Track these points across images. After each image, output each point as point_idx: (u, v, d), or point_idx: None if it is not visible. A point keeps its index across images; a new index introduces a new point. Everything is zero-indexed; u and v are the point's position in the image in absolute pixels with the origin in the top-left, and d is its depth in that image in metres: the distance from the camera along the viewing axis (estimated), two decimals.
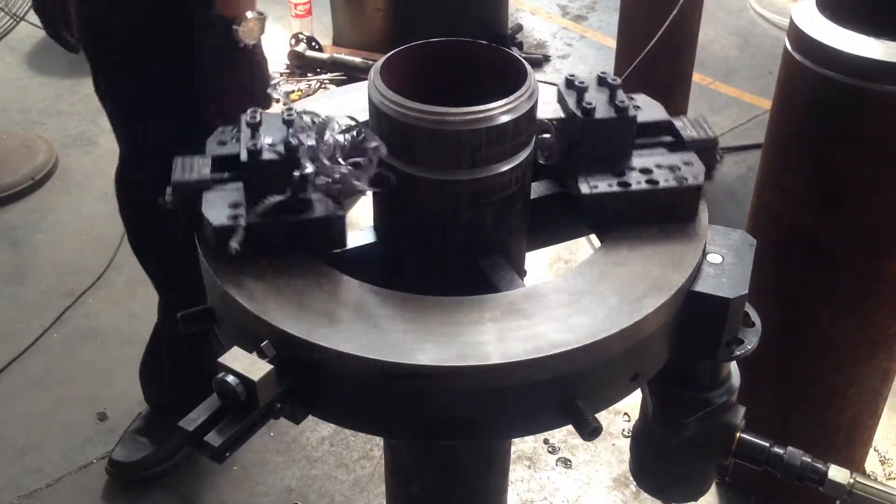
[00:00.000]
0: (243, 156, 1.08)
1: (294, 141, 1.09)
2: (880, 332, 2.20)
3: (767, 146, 2.22)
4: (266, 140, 1.09)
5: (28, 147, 4.20)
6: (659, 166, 1.19)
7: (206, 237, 1.09)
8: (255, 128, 1.11)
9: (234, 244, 1.04)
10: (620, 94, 1.21)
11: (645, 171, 1.18)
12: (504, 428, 1.06)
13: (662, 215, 1.16)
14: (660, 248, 1.13)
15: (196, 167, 1.11)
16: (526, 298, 1.06)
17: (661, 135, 1.26)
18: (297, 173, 1.06)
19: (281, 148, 1.08)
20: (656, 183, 1.16)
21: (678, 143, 1.24)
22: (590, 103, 1.18)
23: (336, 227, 1.09)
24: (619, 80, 1.22)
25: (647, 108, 1.26)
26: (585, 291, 1.06)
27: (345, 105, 1.35)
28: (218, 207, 1.08)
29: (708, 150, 1.23)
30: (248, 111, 1.14)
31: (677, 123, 1.26)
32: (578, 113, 1.18)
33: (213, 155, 1.15)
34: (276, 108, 1.35)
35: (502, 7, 4.84)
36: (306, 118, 1.14)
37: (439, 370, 0.96)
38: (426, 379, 0.97)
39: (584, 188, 1.16)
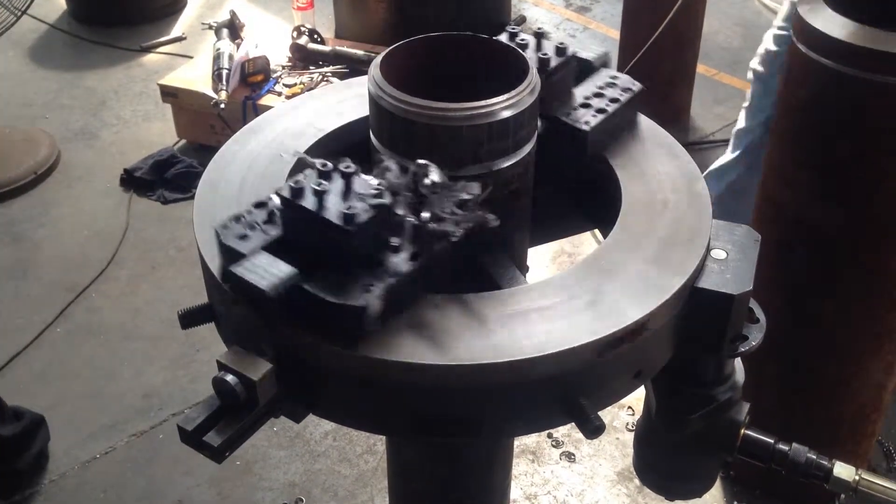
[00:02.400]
0: (338, 221, 0.95)
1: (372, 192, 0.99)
2: (885, 325, 2.19)
3: (772, 138, 2.21)
4: (337, 202, 0.98)
5: (30, 141, 4.19)
6: (600, 89, 1.28)
7: (346, 322, 0.96)
8: (322, 195, 0.98)
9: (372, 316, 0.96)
10: (550, 42, 1.26)
11: (597, 96, 1.27)
12: (506, 426, 1.05)
13: (631, 124, 1.30)
14: (663, 244, 1.12)
15: (266, 265, 0.96)
16: (528, 296, 1.04)
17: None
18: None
19: (370, 205, 0.97)
20: (617, 100, 1.26)
21: (585, 69, 1.31)
22: (545, 54, 1.22)
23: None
24: (542, 29, 1.29)
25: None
26: (587, 288, 1.05)
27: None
28: (339, 292, 0.95)
29: (607, 63, 1.35)
30: (277, 190, 1.02)
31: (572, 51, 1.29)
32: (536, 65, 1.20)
33: (261, 247, 1.00)
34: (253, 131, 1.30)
35: None
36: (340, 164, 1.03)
37: (436, 368, 0.96)
38: (420, 374, 0.96)
39: (582, 126, 1.22)
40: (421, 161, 1.02)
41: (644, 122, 1.32)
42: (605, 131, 1.25)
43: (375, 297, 0.95)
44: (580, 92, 1.28)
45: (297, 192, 0.99)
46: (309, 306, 0.96)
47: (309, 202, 0.98)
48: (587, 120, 1.23)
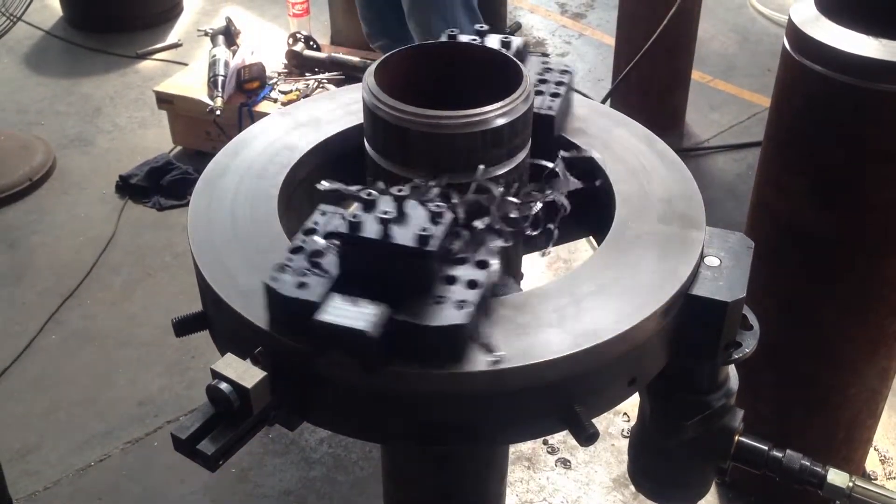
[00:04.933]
0: (413, 244, 0.94)
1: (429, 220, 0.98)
2: (879, 332, 2.19)
3: (766, 145, 2.21)
4: (409, 226, 0.97)
5: (25, 148, 4.19)
6: (540, 75, 1.34)
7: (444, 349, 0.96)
8: (387, 224, 0.97)
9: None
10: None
11: (541, 81, 1.32)
12: (500, 433, 1.06)
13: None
14: (657, 251, 1.12)
15: (349, 308, 0.94)
16: (522, 303, 1.05)
17: None
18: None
19: (440, 225, 0.97)
20: (563, 83, 1.33)
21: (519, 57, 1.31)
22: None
23: None
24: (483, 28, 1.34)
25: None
26: (582, 296, 1.05)
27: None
28: (439, 316, 0.95)
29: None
30: (371, 212, 0.98)
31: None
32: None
33: (329, 290, 0.97)
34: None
35: (501, 5, 4.82)
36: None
37: (430, 377, 0.96)
38: (415, 383, 0.96)
39: (548, 112, 1.26)
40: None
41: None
42: (561, 113, 1.31)
43: (470, 312, 0.95)
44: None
45: (356, 225, 0.96)
46: (406, 338, 0.94)
47: (373, 232, 0.96)
48: (549, 105, 1.28)
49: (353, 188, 1.01)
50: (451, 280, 0.98)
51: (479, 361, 0.96)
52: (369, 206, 0.99)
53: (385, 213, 0.97)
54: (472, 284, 0.98)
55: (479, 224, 1.01)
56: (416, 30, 3.44)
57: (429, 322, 0.93)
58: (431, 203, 0.99)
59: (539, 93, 1.29)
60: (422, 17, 3.39)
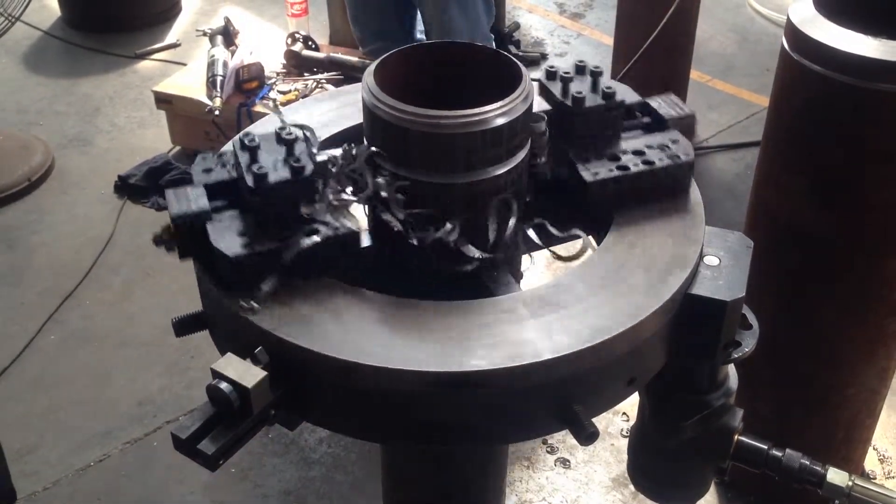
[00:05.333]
0: (249, 181, 1.04)
1: (301, 161, 1.06)
2: (879, 331, 2.19)
3: (765, 145, 2.22)
4: (267, 162, 1.06)
5: (24, 148, 4.18)
6: (649, 147, 1.22)
7: (218, 267, 1.05)
8: (253, 151, 1.08)
9: (266, 288, 1.03)
10: (604, 80, 1.23)
11: (637, 153, 1.21)
12: (500, 433, 1.06)
13: (660, 193, 1.19)
14: (656, 250, 1.12)
15: (192, 197, 1.08)
16: (521, 303, 1.05)
17: (637, 117, 1.28)
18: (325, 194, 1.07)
19: (287, 171, 1.06)
20: (652, 163, 1.19)
21: (657, 123, 1.26)
22: (579, 92, 1.20)
23: (356, 242, 1.10)
24: (600, 68, 1.24)
25: (622, 92, 1.26)
26: (581, 295, 1.05)
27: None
28: (228, 238, 1.04)
29: (686, 127, 1.27)
30: (240, 134, 1.12)
31: (653, 104, 1.27)
32: (568, 103, 1.18)
33: (204, 183, 1.11)
34: (265, 123, 1.32)
35: (499, 5, 4.82)
36: (296, 130, 1.12)
37: (430, 376, 0.96)
38: (416, 382, 0.96)
39: (587, 175, 1.17)
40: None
41: (694, 199, 1.22)
42: (621, 189, 1.18)
43: (241, 246, 1.02)
44: (634, 144, 1.23)
45: (246, 147, 1.08)
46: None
47: (243, 159, 1.08)
48: (598, 171, 1.18)
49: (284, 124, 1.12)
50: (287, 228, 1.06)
51: (476, 362, 0.96)
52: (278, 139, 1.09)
53: (252, 140, 1.09)
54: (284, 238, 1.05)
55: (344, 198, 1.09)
56: (431, 24, 3.36)
57: (212, 238, 1.04)
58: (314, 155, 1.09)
59: (614, 157, 1.21)
60: (437, 10, 3.31)
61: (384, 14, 3.57)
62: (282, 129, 1.10)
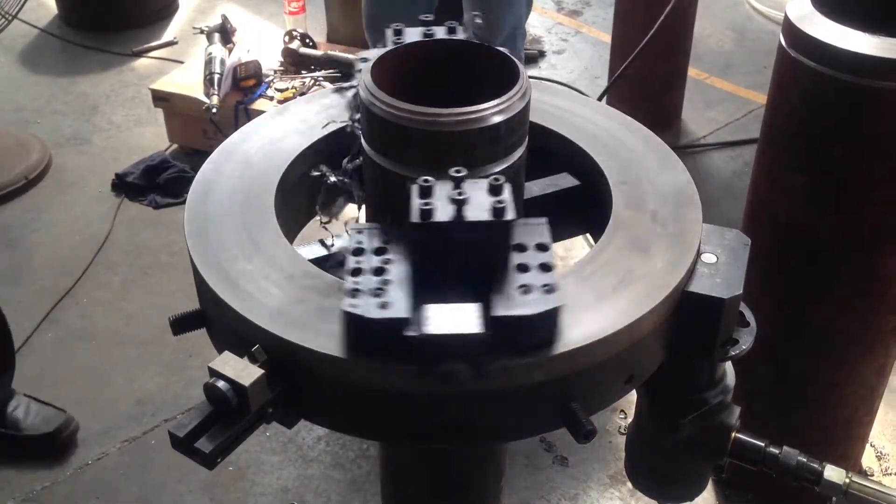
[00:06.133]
0: (486, 216, 0.93)
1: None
2: (877, 329, 2.20)
3: (763, 143, 2.22)
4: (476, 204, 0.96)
5: (22, 146, 4.18)
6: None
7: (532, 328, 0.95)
8: (460, 205, 0.95)
9: None
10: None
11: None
12: (497, 432, 1.05)
13: None
14: (654, 248, 1.12)
15: (440, 313, 0.91)
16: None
17: None
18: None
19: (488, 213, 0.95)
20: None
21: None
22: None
23: None
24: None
25: None
26: (578, 293, 1.05)
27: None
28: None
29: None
30: (442, 195, 0.97)
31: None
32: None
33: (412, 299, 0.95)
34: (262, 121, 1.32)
35: None
36: None
37: (429, 374, 0.96)
38: (413, 379, 0.96)
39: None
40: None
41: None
42: None
43: (561, 294, 0.94)
44: None
45: (427, 212, 0.93)
46: (505, 332, 0.92)
47: (448, 215, 0.93)
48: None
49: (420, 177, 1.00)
50: (524, 268, 0.97)
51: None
52: (426, 192, 0.96)
53: (458, 193, 0.94)
54: (545, 268, 0.97)
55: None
56: (474, 20, 3.29)
57: (528, 311, 0.92)
58: (488, 179, 0.98)
59: None
60: (489, 9, 3.19)
61: (408, 13, 3.42)
62: (426, 180, 0.98)
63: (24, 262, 3.60)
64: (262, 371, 0.95)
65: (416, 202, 0.95)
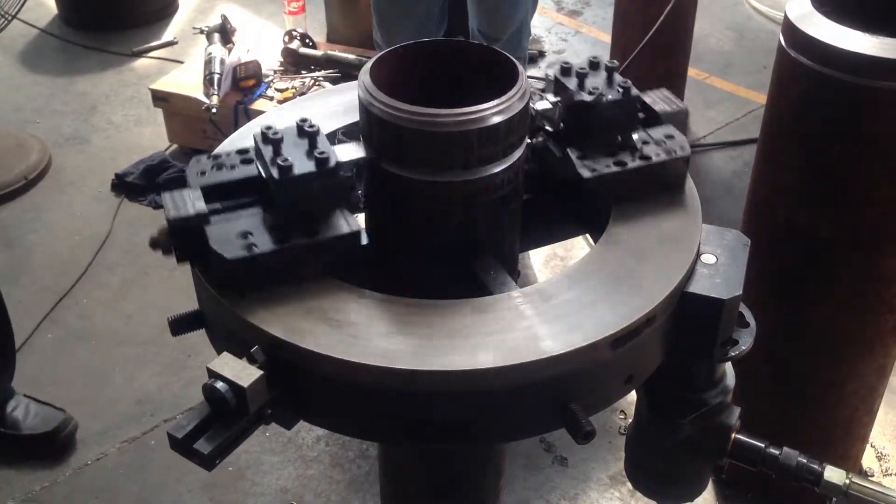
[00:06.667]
0: (274, 173, 1.04)
1: (325, 153, 1.06)
2: (877, 329, 2.20)
3: (762, 143, 2.22)
4: (290, 156, 1.06)
5: (21, 146, 4.18)
6: (645, 142, 1.21)
7: (216, 272, 1.03)
8: (276, 144, 1.07)
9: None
10: (618, 77, 1.22)
11: (633, 148, 1.20)
12: (497, 432, 1.05)
13: (656, 189, 1.20)
14: (653, 248, 1.12)
15: (189, 200, 1.05)
16: (518, 301, 1.04)
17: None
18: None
19: (312, 164, 1.06)
20: (649, 158, 1.18)
21: (651, 118, 1.25)
22: (596, 88, 1.19)
23: (358, 241, 1.09)
24: (615, 63, 1.24)
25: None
26: (578, 294, 1.05)
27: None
28: (225, 241, 1.03)
29: (679, 122, 1.26)
30: (262, 128, 1.09)
31: (647, 99, 1.27)
32: (587, 98, 1.18)
33: (201, 185, 1.09)
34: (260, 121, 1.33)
35: None
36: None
37: (427, 374, 0.96)
38: (412, 380, 0.96)
39: (585, 172, 1.16)
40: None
41: (691, 196, 1.22)
42: (617, 185, 1.18)
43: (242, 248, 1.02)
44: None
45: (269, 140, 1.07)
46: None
47: (266, 152, 1.06)
48: (595, 167, 1.17)
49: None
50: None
51: (473, 361, 0.96)
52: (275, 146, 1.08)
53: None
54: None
55: None
56: (482, 18, 3.28)
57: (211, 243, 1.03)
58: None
59: (613, 152, 1.20)
60: (495, 7, 3.25)
61: (416, 7, 3.39)
62: (303, 121, 1.10)
63: (23, 262, 3.60)
64: (260, 372, 0.95)
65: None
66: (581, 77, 1.22)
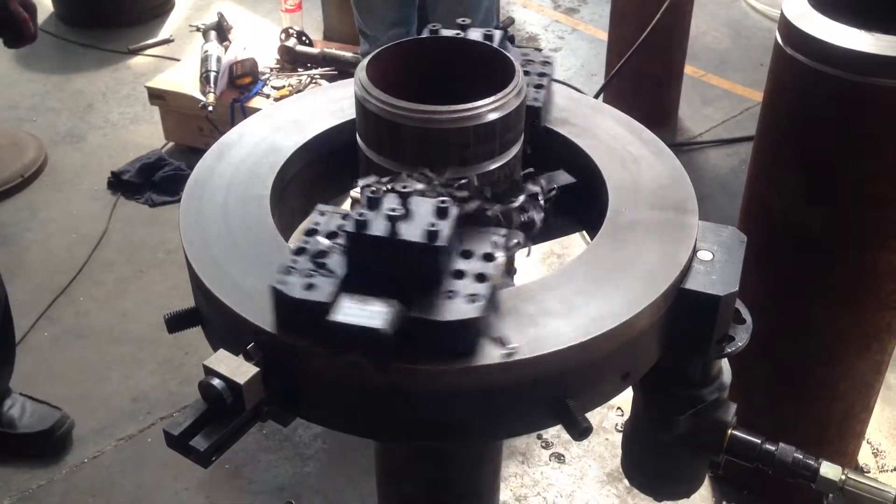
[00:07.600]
0: (421, 240, 0.94)
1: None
2: (872, 325, 2.20)
3: (759, 140, 2.22)
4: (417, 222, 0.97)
5: (17, 144, 4.17)
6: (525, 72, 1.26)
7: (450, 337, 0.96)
8: (395, 221, 0.97)
9: None
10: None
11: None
12: (493, 429, 1.05)
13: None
14: (650, 245, 1.12)
15: (360, 307, 0.94)
16: (514, 298, 1.04)
17: None
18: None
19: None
20: (546, 75, 1.31)
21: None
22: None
23: None
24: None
25: None
26: (574, 291, 1.05)
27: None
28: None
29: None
30: (382, 209, 0.98)
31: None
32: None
33: (337, 291, 0.96)
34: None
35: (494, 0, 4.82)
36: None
37: (425, 372, 0.96)
38: (409, 377, 0.96)
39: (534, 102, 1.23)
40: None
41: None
42: (546, 103, 1.31)
43: (482, 305, 0.94)
44: None
45: (363, 224, 0.96)
46: (419, 334, 0.94)
47: (381, 230, 0.95)
48: (535, 97, 1.26)
49: (368, 187, 1.01)
50: (460, 274, 0.98)
51: (487, 356, 0.96)
52: (374, 203, 0.98)
53: (392, 210, 0.96)
54: (480, 278, 0.97)
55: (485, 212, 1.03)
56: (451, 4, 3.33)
57: (442, 317, 0.93)
58: (437, 198, 0.99)
59: None
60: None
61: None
62: (373, 192, 1.00)
63: (19, 260, 3.59)
64: (256, 369, 0.95)
65: (355, 211, 0.97)
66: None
